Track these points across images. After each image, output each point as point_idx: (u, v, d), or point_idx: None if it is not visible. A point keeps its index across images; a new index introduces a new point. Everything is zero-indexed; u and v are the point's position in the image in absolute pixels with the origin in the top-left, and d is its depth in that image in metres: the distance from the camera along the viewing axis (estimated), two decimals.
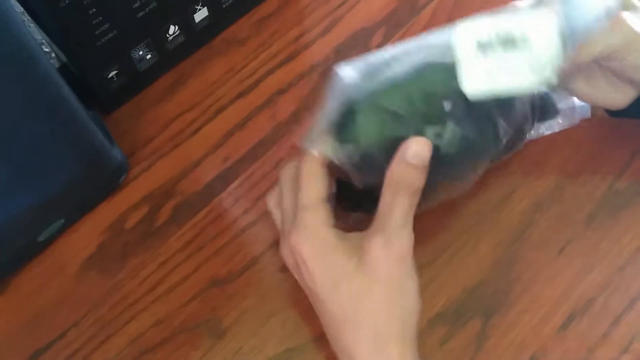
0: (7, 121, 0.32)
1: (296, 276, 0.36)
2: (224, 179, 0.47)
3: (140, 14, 0.44)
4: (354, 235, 0.34)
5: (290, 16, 0.54)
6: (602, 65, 0.35)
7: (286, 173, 0.36)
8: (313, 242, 0.33)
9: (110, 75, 0.47)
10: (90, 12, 0.41)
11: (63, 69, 0.46)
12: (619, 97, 0.37)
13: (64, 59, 0.46)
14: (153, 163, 0.47)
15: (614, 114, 0.41)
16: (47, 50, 0.46)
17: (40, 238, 0.43)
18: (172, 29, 0.48)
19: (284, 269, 0.43)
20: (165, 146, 0.48)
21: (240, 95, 0.50)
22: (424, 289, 0.42)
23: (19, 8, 0.43)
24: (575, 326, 0.40)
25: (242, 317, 0.42)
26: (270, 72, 0.51)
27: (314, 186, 0.34)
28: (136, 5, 0.44)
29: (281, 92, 0.50)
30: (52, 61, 0.46)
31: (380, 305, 0.32)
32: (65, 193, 0.41)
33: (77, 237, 0.45)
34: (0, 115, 0.32)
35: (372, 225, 0.33)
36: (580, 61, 0.33)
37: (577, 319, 0.40)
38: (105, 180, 0.45)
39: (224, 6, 0.51)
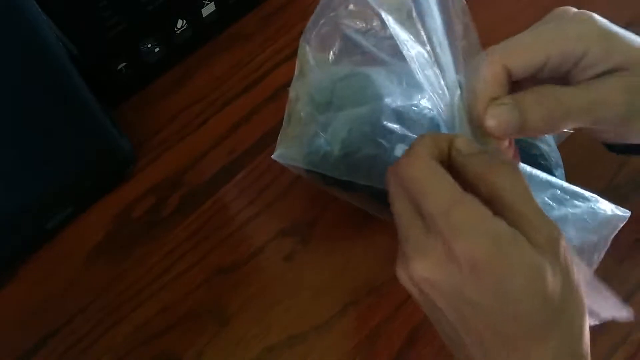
0: (21, 109, 0.33)
1: (440, 301, 0.27)
2: (230, 171, 0.47)
3: (150, 8, 0.45)
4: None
5: (296, 12, 0.55)
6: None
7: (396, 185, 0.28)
8: (488, 239, 0.25)
9: (119, 68, 0.48)
10: (101, 4, 0.42)
11: (73, 61, 0.47)
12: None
13: (74, 50, 0.46)
14: (160, 154, 0.48)
15: (614, 150, 0.36)
16: None
17: (49, 226, 0.44)
18: (180, 23, 0.49)
19: (288, 258, 0.44)
20: (172, 138, 0.49)
21: (246, 89, 0.51)
22: None
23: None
24: None
25: (247, 304, 0.42)
26: (275, 66, 0.52)
27: (443, 182, 0.26)
28: None
29: (286, 86, 0.50)
30: None
31: (581, 312, 0.27)
32: (74, 182, 0.42)
33: (85, 226, 0.46)
34: (15, 103, 0.33)
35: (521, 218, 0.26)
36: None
37: None
38: (113, 170, 0.46)
39: (230, 2, 0.52)
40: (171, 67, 0.52)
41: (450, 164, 0.28)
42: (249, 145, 0.48)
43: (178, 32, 0.49)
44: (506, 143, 0.30)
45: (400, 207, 0.28)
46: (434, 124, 0.38)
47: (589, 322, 0.28)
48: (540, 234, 0.26)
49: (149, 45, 0.48)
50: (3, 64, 0.31)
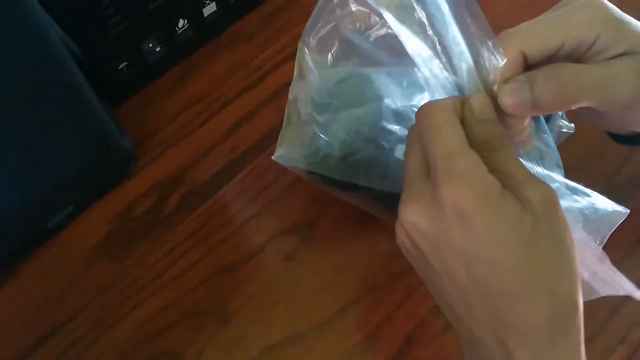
0: (23, 105, 0.33)
1: (427, 249, 0.28)
2: (231, 170, 0.48)
3: (151, 7, 0.45)
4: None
5: (296, 12, 0.55)
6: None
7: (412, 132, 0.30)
8: (478, 190, 0.26)
9: (120, 67, 0.48)
10: (103, 4, 0.42)
11: (75, 60, 0.47)
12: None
13: (76, 49, 0.46)
14: (161, 153, 0.48)
15: (618, 140, 0.37)
16: None
17: (50, 224, 0.44)
18: (181, 22, 0.49)
19: (288, 257, 0.44)
20: (173, 137, 0.49)
21: (247, 88, 0.51)
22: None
23: None
24: None
25: (247, 303, 0.42)
26: (276, 66, 0.52)
27: (454, 131, 0.27)
28: None
29: (287, 85, 0.50)
30: None
31: (563, 272, 0.26)
32: (75, 180, 0.42)
33: (86, 225, 0.46)
34: (17, 101, 0.33)
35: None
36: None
37: None
38: (114, 168, 0.46)
39: (231, 1, 0.52)
40: (172, 67, 0.52)
41: (463, 124, 0.29)
42: (250, 144, 0.49)
43: (179, 31, 0.50)
44: (525, 122, 0.31)
45: (411, 150, 0.29)
46: None
47: (607, 291, 0.30)
48: (530, 193, 0.26)
49: (150, 45, 0.48)
50: (5, 63, 0.31)
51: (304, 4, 0.55)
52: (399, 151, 0.38)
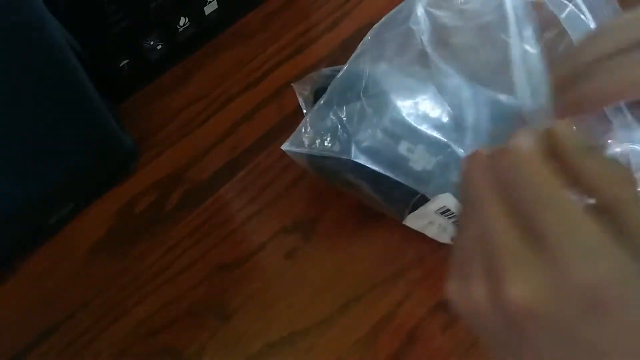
0: (26, 102, 0.33)
1: (540, 337, 0.22)
2: (232, 168, 0.48)
3: (153, 5, 0.45)
4: None
5: (298, 11, 0.55)
6: None
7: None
8: (616, 276, 0.21)
9: (121, 65, 0.48)
10: (105, 1, 0.42)
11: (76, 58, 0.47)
12: None
13: (77, 47, 0.46)
14: (162, 151, 0.48)
15: None
16: None
17: (51, 221, 0.44)
18: (182, 20, 0.49)
19: (289, 255, 0.44)
20: (174, 135, 0.49)
21: (248, 87, 0.51)
22: (427, 277, 0.43)
23: None
24: None
25: (248, 301, 0.43)
26: (277, 65, 0.52)
27: (566, 196, 0.22)
28: None
29: (288, 84, 0.51)
30: None
31: None
32: (77, 177, 0.42)
33: (87, 222, 0.46)
34: (19, 96, 0.33)
35: None
36: None
37: None
38: (115, 166, 0.46)
39: (233, 0, 0.52)
40: (173, 65, 0.52)
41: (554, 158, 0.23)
42: (251, 142, 0.49)
43: (181, 29, 0.50)
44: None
45: (494, 211, 0.23)
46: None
47: None
48: None
49: (152, 43, 0.48)
50: (8, 60, 0.31)
51: (305, 3, 0.55)
52: (403, 147, 0.38)
